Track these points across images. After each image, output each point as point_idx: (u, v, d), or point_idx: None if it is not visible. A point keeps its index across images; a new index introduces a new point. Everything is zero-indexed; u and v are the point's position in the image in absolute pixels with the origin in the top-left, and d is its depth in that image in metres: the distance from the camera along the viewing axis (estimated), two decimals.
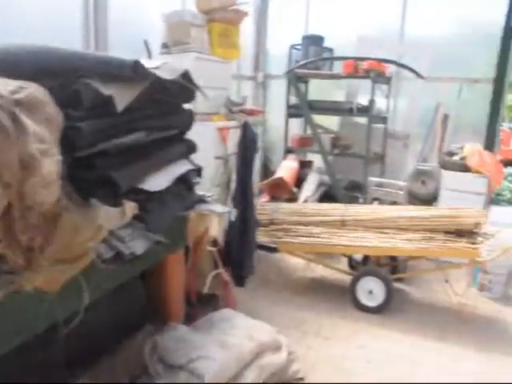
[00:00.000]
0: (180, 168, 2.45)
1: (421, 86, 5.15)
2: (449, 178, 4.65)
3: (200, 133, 4.08)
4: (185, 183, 2.53)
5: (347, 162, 5.40)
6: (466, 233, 3.34)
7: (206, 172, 3.92)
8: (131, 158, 1.99)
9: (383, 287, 3.43)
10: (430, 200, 4.81)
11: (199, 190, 3.37)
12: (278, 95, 5.84)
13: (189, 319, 2.88)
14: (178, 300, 2.92)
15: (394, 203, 4.29)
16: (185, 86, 2.29)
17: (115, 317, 2.48)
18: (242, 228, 3.27)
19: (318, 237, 3.57)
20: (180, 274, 2.86)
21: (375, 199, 4.16)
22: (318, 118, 5.41)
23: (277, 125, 5.89)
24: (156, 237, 2.11)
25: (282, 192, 5.14)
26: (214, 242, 3.42)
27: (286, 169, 5.24)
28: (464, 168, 4.59)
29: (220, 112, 4.27)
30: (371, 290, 3.48)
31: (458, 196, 4.58)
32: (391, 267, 3.77)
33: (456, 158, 4.75)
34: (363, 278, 3.49)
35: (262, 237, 3.76)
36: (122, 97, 1.74)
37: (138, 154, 2.06)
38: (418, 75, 4.86)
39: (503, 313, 3.68)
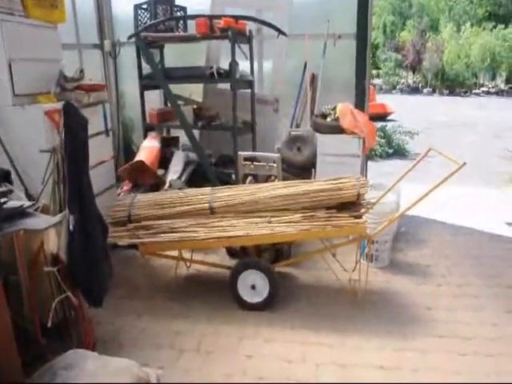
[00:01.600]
0: None
1: (284, 44, 4.71)
2: (323, 141, 4.35)
3: (21, 119, 3.28)
4: None
5: (215, 134, 4.85)
6: (349, 205, 2.98)
7: (31, 170, 3.17)
8: None
9: (266, 280, 2.98)
10: (308, 167, 4.48)
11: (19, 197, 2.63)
12: (133, 65, 5.03)
13: (33, 364, 2.19)
14: (5, 349, 2.19)
15: (269, 178, 3.85)
16: None
17: None
18: (84, 238, 2.57)
19: (184, 231, 2.99)
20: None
21: (247, 175, 3.67)
22: (181, 88, 4.76)
23: (135, 100, 5.10)
24: None
25: (146, 177, 4.45)
26: (55, 260, 2.71)
27: (146, 150, 4.54)
28: (338, 130, 4.30)
29: (50, 91, 3.43)
30: (253, 285, 3.02)
31: (335, 160, 4.31)
32: (274, 253, 3.33)
33: (329, 119, 4.44)
34: (242, 272, 3.01)
35: (118, 239, 3.09)
36: None
37: None
38: (280, 32, 4.40)
39: (392, 283, 3.48)
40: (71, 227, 2.57)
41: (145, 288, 3.40)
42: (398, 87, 29.35)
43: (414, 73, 30.53)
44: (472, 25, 29.54)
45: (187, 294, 3.32)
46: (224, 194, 3.12)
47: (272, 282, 2.99)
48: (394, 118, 14.53)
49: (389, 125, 11.22)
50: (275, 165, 3.50)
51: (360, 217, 2.94)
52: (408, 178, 3.29)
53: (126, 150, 5.70)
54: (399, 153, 10.08)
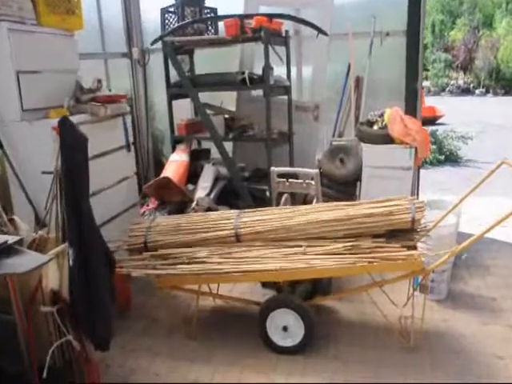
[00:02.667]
0: None
1: (325, 45, 4.24)
2: (370, 152, 3.84)
3: (28, 136, 2.96)
4: None
5: (250, 146, 4.43)
6: (400, 232, 2.47)
7: (41, 192, 2.81)
8: None
9: (300, 321, 2.52)
10: (352, 181, 3.98)
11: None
12: (162, 73, 4.69)
13: None
14: None
15: (306, 197, 3.39)
16: None
17: None
18: (84, 274, 2.20)
19: (205, 261, 2.58)
20: None
21: (281, 194, 3.22)
22: (212, 96, 4.39)
23: (165, 110, 4.74)
24: None
25: (172, 194, 4.10)
26: (56, 298, 2.37)
27: (173, 164, 4.19)
28: (386, 139, 3.79)
29: (64, 104, 3.12)
30: (285, 326, 2.56)
31: (383, 173, 3.79)
32: (311, 286, 2.86)
33: (375, 127, 3.93)
34: (272, 311, 2.56)
35: (132, 270, 2.72)
36: None
37: None
38: (321, 31, 3.94)
39: (452, 321, 2.93)
40: (70, 262, 2.23)
41: (163, 322, 3.03)
42: (447, 89, 27.96)
43: (465, 73, 29.04)
44: None
45: (210, 331, 2.90)
46: (252, 219, 2.68)
47: (307, 323, 2.52)
48: (445, 122, 13.65)
49: (439, 129, 10.43)
50: (313, 182, 3.04)
51: (414, 247, 2.42)
52: (460, 188, 2.73)
53: (156, 163, 5.39)
54: (451, 159, 9.29)
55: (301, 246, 2.51)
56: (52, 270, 2.37)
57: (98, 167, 3.31)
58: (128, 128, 3.62)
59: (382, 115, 3.96)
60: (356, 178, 3.93)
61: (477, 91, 26.83)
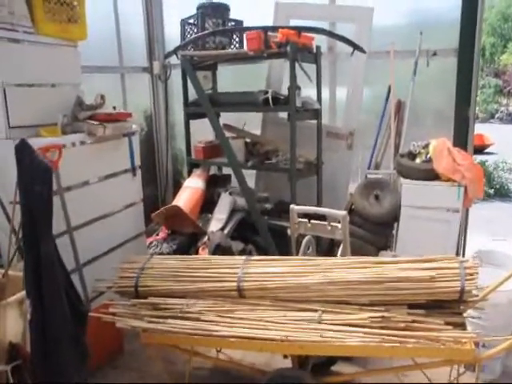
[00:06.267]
0: None
1: (362, 64, 3.75)
2: (410, 189, 3.30)
3: (12, 157, 2.56)
4: None
5: (275, 175, 3.94)
6: (445, 302, 1.92)
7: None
8: None
9: None
10: (388, 222, 3.43)
11: None
12: None
13: None
14: None
15: (331, 242, 2.87)
16: None
17: None
18: (43, 332, 1.78)
19: (199, 319, 2.10)
20: None
21: (302, 236, 2.71)
22: (236, 118, 3.97)
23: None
24: None
25: (184, 225, 3.67)
26: (16, 352, 1.97)
27: (187, 191, 3.77)
28: (431, 175, 3.25)
29: (58, 121, 2.75)
30: None
31: (425, 215, 3.25)
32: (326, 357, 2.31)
33: (418, 160, 3.39)
34: None
35: (118, 319, 2.27)
36: None
37: None
38: (357, 47, 3.45)
39: None
40: (28, 315, 1.81)
41: (154, 378, 2.55)
42: (496, 116, 26.69)
43: None
44: None
45: None
46: (259, 271, 2.18)
47: None
48: (494, 151, 12.73)
49: (489, 160, 9.62)
50: (340, 225, 2.52)
51: (463, 325, 1.86)
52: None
53: (175, 185, 4.99)
54: (501, 193, 8.47)
55: (316, 311, 1.99)
56: (12, 319, 1.97)
57: (98, 192, 2.97)
58: (135, 150, 3.22)
59: (426, 146, 3.42)
60: (393, 218, 3.39)
61: None
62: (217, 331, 2.02)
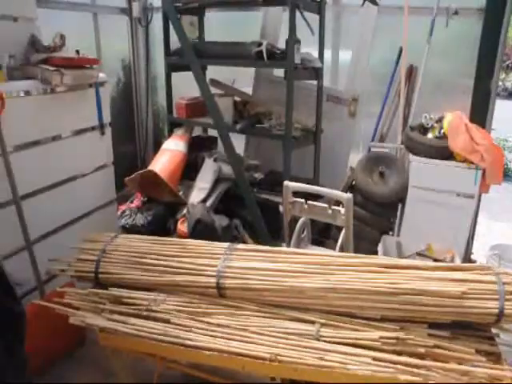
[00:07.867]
0: None
1: (372, 21, 3.25)
2: (420, 168, 2.91)
3: None
4: None
5: (267, 140, 3.50)
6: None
7: None
8: None
9: None
10: (393, 203, 3.05)
11: None
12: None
13: None
14: None
15: (327, 227, 2.46)
16: None
17: None
18: None
19: (168, 322, 1.70)
20: None
21: (295, 219, 2.31)
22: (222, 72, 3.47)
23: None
24: None
25: (162, 192, 3.23)
26: None
27: (166, 155, 3.31)
28: (444, 153, 2.84)
29: (2, 63, 2.24)
30: None
31: (435, 198, 2.87)
32: None
33: (430, 135, 2.97)
34: None
35: (72, 311, 1.87)
36: None
37: None
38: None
39: None
40: None
41: (112, 378, 2.19)
42: None
43: None
44: None
45: None
46: (244, 265, 1.77)
47: None
48: (493, 128, 12.30)
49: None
50: (343, 210, 2.11)
51: (497, 354, 1.49)
52: None
53: (156, 145, 4.51)
54: (503, 174, 8.08)
55: (313, 323, 1.60)
56: None
57: (56, 154, 2.50)
58: (103, 104, 2.72)
59: (440, 120, 3.00)
60: (398, 198, 3.00)
61: None
62: (190, 340, 1.62)
